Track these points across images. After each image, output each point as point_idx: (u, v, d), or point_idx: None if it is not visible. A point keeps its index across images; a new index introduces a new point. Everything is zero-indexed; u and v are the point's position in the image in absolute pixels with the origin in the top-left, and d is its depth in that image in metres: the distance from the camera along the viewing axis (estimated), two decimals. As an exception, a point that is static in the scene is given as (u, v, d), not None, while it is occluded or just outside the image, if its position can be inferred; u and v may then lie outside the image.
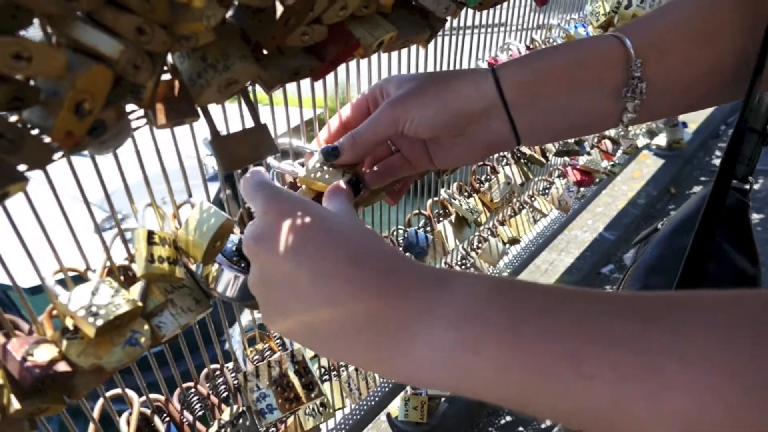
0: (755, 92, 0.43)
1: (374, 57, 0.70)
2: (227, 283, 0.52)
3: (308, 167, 0.47)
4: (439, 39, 0.90)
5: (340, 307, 0.30)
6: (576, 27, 1.03)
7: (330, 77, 0.61)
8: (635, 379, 0.23)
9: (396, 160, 0.51)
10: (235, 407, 0.68)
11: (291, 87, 0.57)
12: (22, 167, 0.38)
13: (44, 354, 0.46)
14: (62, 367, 0.46)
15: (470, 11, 0.93)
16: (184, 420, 0.67)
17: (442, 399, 1.19)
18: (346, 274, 0.30)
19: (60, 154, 0.40)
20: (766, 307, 0.23)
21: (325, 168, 0.47)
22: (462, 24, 0.95)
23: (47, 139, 0.37)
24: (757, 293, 0.24)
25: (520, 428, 1.21)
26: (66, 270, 0.50)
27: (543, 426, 1.21)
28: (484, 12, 0.98)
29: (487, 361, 0.26)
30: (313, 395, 0.70)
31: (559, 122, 0.46)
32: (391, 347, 0.29)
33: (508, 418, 1.24)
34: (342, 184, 0.43)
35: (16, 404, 0.44)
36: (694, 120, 2.36)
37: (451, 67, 0.92)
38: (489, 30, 1.01)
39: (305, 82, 0.60)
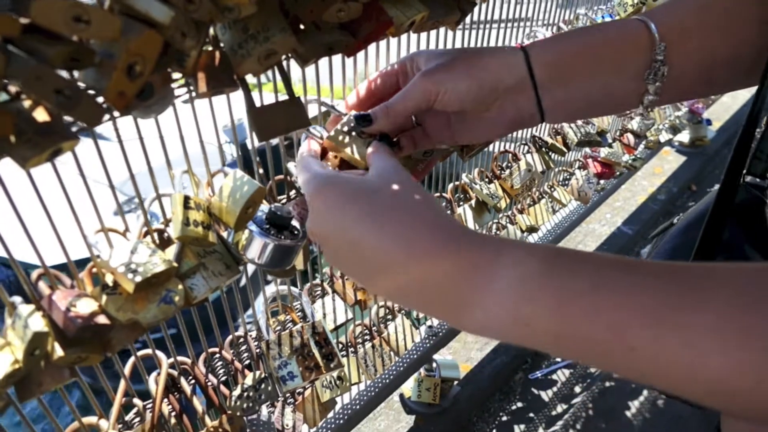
0: (766, 89, 0.43)
1: (403, 42, 0.72)
2: (258, 249, 0.55)
3: (336, 128, 0.48)
4: (466, 32, 0.91)
5: (401, 277, 0.34)
6: (603, 17, 1.03)
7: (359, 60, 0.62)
8: (673, 351, 0.26)
9: (416, 134, 0.53)
10: (257, 373, 0.70)
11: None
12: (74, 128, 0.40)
13: (86, 307, 0.49)
14: (102, 319, 0.49)
15: (497, 5, 0.94)
16: (209, 383, 0.69)
17: (455, 382, 1.21)
18: (401, 248, 0.33)
19: (108, 116, 0.43)
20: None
21: (350, 135, 0.48)
22: (489, 18, 0.96)
23: (100, 100, 0.39)
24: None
25: (531, 414, 1.22)
26: (107, 230, 0.52)
27: (554, 413, 1.22)
28: (511, 7, 0.99)
29: (538, 333, 0.30)
30: (332, 365, 0.72)
31: (582, 100, 0.47)
32: (454, 313, 0.33)
33: (520, 404, 1.25)
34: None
35: (59, 351, 0.47)
36: (718, 118, 2.34)
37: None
38: (516, 25, 1.01)
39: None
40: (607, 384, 1.17)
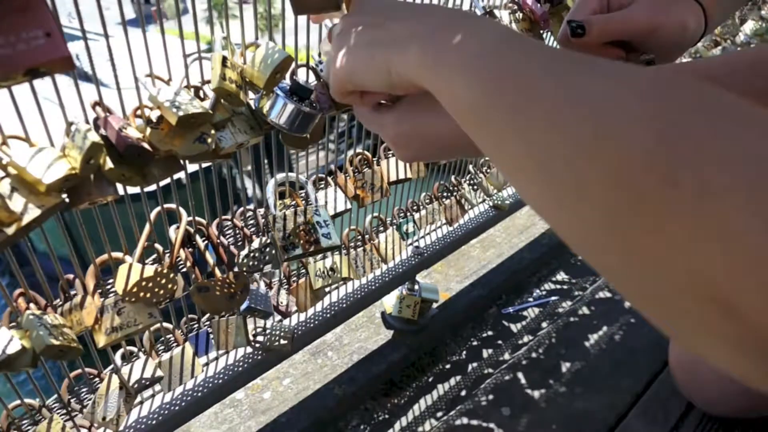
0: None
1: None
2: (279, 110, 0.63)
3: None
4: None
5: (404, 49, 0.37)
6: None
7: None
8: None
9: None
10: (263, 238, 0.79)
11: None
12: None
13: (133, 134, 0.57)
14: (146, 146, 0.57)
15: None
16: (220, 243, 0.78)
17: (434, 305, 1.32)
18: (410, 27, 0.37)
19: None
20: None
21: None
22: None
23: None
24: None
25: (499, 341, 1.33)
26: (154, 76, 0.60)
27: (520, 342, 1.33)
28: None
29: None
30: (330, 243, 0.81)
31: (711, 30, 0.55)
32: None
33: (490, 333, 1.36)
34: None
35: (110, 164, 0.55)
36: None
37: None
38: None
39: None
40: (572, 319, 1.27)
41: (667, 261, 0.21)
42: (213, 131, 0.61)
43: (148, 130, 0.58)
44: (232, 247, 0.79)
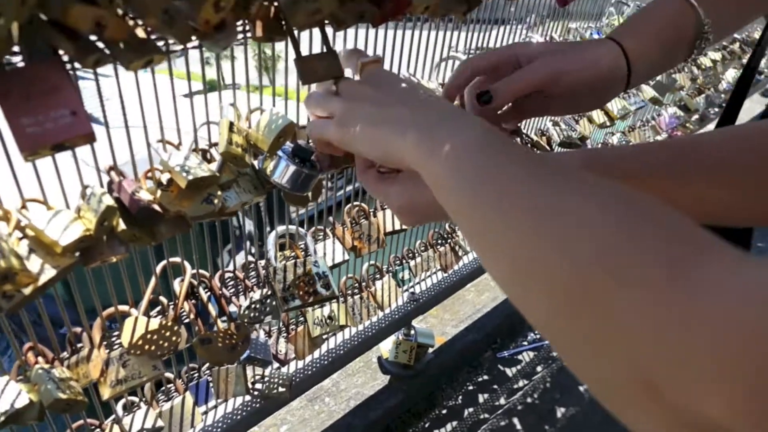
0: None
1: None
2: (281, 171, 0.67)
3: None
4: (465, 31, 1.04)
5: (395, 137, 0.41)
6: (592, 33, 1.17)
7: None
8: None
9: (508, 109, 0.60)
10: (264, 290, 0.82)
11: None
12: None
13: (145, 196, 0.61)
14: (156, 208, 0.61)
15: (500, 7, 1.08)
16: (222, 295, 0.81)
17: (429, 350, 1.33)
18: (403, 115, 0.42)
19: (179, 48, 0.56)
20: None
21: None
22: (488, 17, 1.10)
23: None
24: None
25: (495, 386, 1.34)
26: (165, 142, 0.64)
27: (515, 386, 1.34)
28: (511, 9, 1.13)
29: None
30: (328, 293, 0.84)
31: (653, 71, 0.59)
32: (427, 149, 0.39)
33: (486, 377, 1.37)
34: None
35: (122, 225, 0.59)
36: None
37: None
38: (512, 25, 1.15)
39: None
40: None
41: (608, 348, 0.24)
42: (219, 192, 0.64)
43: (159, 192, 0.62)
44: (233, 299, 0.81)
